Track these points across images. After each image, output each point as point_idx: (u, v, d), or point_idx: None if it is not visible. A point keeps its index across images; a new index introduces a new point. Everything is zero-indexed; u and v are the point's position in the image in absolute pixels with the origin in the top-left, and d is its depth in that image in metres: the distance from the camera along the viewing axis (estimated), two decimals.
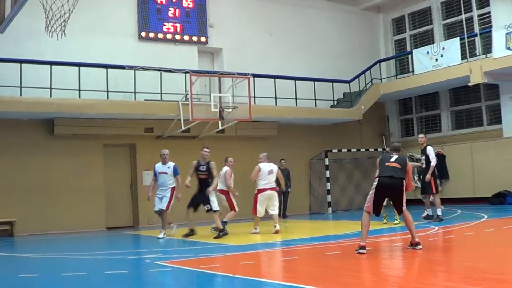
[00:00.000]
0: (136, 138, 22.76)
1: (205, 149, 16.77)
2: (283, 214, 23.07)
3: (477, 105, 26.77)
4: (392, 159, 11.44)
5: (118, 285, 9.49)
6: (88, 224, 21.08)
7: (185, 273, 9.99)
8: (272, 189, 17.06)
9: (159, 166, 17.13)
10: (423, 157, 17.85)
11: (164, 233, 16.65)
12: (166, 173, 16.98)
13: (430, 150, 17.75)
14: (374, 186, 11.21)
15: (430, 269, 9.56)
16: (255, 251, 12.56)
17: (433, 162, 17.46)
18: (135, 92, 21.77)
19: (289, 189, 23.91)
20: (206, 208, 16.11)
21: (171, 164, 17.14)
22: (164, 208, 16.76)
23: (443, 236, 14.41)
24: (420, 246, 10.95)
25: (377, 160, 12.11)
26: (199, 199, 16.27)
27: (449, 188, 26.16)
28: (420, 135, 18.60)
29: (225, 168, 17.49)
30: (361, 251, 10.84)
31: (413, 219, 11.43)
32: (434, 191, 17.46)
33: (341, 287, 8.06)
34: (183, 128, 21.57)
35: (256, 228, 16.81)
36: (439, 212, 17.49)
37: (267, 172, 17.08)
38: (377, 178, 11.26)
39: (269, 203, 17.01)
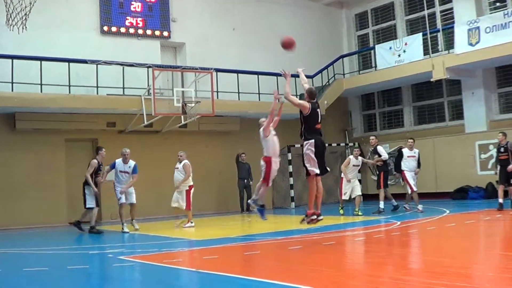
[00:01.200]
0: (98, 132, 22.66)
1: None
2: (247, 208, 23.15)
3: (439, 101, 27.07)
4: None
5: (80, 281, 9.49)
6: (50, 219, 20.94)
7: (148, 268, 10.02)
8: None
9: (120, 164, 17.56)
10: (376, 156, 20.26)
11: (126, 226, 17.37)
12: (128, 172, 17.57)
13: (381, 149, 20.31)
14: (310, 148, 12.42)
15: (392, 263, 9.69)
16: (218, 246, 12.62)
17: (384, 156, 20.09)
18: (97, 87, 21.67)
19: (251, 182, 24.00)
20: None
21: (131, 163, 17.65)
22: (135, 202, 17.73)
23: (405, 230, 14.58)
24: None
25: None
26: None
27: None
28: (372, 137, 20.89)
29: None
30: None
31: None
32: (381, 186, 19.86)
33: (302, 281, 8.14)
34: (145, 122, 21.53)
35: (191, 222, 17.76)
36: (381, 205, 19.30)
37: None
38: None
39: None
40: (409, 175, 19.62)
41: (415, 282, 7.78)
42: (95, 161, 17.39)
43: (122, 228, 17.26)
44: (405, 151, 19.90)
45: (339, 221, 17.25)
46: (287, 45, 13.75)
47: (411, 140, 20.12)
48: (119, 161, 17.60)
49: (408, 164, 19.74)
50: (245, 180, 24.11)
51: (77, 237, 16.94)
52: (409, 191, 19.74)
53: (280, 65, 26.45)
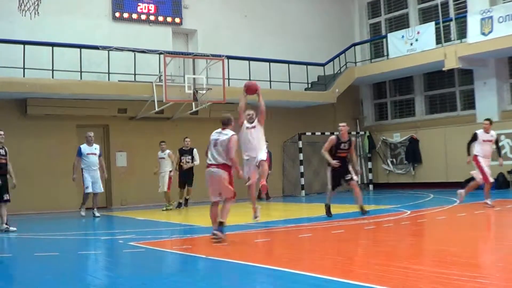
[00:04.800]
0: (109, 119, 22.71)
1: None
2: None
3: (451, 90, 26.98)
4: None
5: (91, 266, 9.56)
6: (61, 204, 21.02)
7: (157, 254, 10.08)
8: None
9: (86, 148, 18.50)
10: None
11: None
12: (95, 154, 18.55)
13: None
14: None
15: (401, 252, 9.72)
16: (227, 233, 12.66)
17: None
18: (108, 73, 21.70)
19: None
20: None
21: (96, 145, 18.75)
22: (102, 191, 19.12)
23: (415, 220, 14.59)
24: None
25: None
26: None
27: (422, 172, 26.45)
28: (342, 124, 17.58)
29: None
30: None
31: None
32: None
33: (311, 268, 8.17)
34: (156, 109, 21.54)
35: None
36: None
37: None
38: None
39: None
40: (483, 162, 16.58)
41: (424, 272, 7.79)
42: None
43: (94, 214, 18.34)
44: (480, 133, 16.84)
45: (349, 209, 17.24)
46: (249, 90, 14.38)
47: (487, 122, 16.90)
48: (83, 145, 18.49)
49: (483, 149, 16.62)
50: None
51: (87, 222, 17.03)
52: (480, 181, 16.75)
53: (291, 52, 26.70)
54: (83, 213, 18.32)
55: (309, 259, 9.24)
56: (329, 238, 11.64)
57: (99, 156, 18.61)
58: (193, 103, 22.00)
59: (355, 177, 15.85)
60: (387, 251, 9.70)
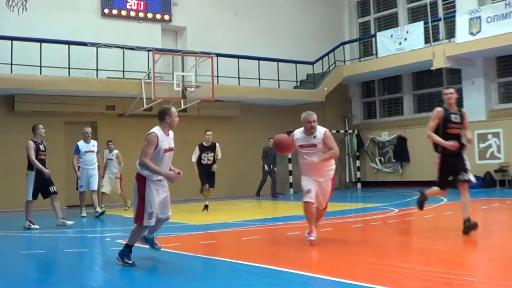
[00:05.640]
0: (97, 116, 22.68)
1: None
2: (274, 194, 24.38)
3: (439, 89, 27.00)
4: None
5: (77, 263, 9.54)
6: (49, 201, 20.92)
7: (145, 251, 10.07)
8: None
9: (83, 145, 17.37)
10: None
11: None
12: (93, 151, 17.46)
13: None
14: None
15: (389, 250, 9.75)
16: (216, 231, 12.66)
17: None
18: (97, 70, 21.68)
19: (275, 168, 24.53)
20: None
21: (94, 142, 17.73)
22: (96, 189, 17.72)
23: (403, 218, 14.64)
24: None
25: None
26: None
27: (410, 171, 26.56)
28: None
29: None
30: None
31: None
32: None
33: (299, 266, 8.19)
34: (145, 106, 21.52)
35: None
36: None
37: None
38: None
39: None
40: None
41: (411, 269, 7.84)
42: (31, 142, 15.06)
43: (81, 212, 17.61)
44: None
45: (337, 207, 17.28)
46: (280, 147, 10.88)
47: None
48: (80, 142, 17.40)
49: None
50: (271, 166, 24.25)
51: (75, 220, 16.97)
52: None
53: (280, 50, 26.71)
54: (83, 214, 17.41)
55: (297, 257, 9.25)
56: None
57: (97, 153, 17.68)
58: (182, 101, 21.97)
59: (472, 178, 11.90)
60: (374, 249, 9.72)
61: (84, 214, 17.38)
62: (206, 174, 18.05)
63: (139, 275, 8.12)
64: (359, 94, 30.36)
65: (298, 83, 27.52)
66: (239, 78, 24.59)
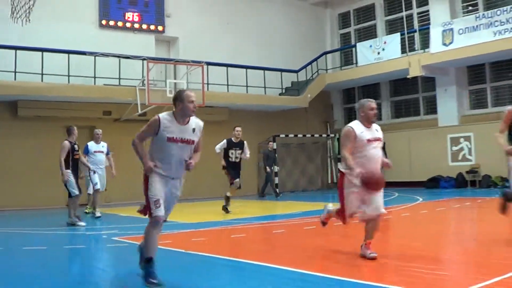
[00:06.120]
0: (95, 120, 22.59)
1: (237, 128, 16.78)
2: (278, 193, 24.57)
3: (415, 96, 27.20)
4: None
5: (76, 259, 9.51)
6: (50, 201, 20.86)
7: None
8: None
9: (93, 145, 16.91)
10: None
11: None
12: (102, 152, 17.00)
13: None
14: None
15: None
16: (205, 229, 12.64)
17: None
18: (95, 77, 21.70)
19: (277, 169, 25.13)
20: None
21: (104, 143, 17.13)
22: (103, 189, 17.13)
23: (380, 216, 14.62)
24: None
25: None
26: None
27: (388, 172, 26.54)
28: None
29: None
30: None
31: None
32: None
33: (284, 262, 8.18)
34: (139, 112, 21.49)
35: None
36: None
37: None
38: None
39: None
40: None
41: (389, 264, 7.85)
42: (66, 142, 14.82)
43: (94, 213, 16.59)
44: None
45: (319, 207, 17.28)
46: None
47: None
48: (91, 143, 16.99)
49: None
50: (271, 167, 24.75)
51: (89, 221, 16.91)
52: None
53: (267, 59, 26.75)
54: (98, 214, 16.37)
55: (282, 253, 9.25)
56: (301, 233, 11.66)
57: (107, 154, 17.11)
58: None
59: None
60: (354, 246, 9.73)
61: (98, 214, 16.41)
62: (234, 172, 16.55)
63: (130, 268, 8.08)
64: (340, 100, 30.40)
65: (283, 90, 27.55)
66: (228, 85, 24.61)
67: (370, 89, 28.97)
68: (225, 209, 16.34)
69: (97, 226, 14.71)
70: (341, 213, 8.54)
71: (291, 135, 26.99)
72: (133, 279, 7.34)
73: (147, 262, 7.16)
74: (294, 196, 23.92)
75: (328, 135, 29.00)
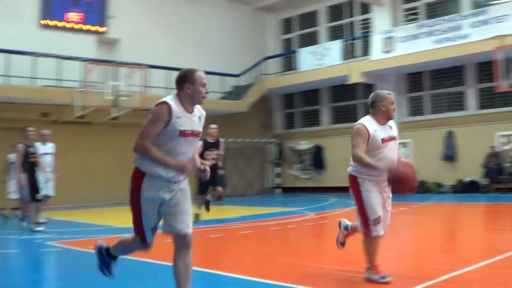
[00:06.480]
0: (32, 122, 22.01)
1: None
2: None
3: (354, 102, 27.47)
4: None
5: (4, 264, 9.29)
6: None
7: (73, 253, 9.88)
8: None
9: (39, 147, 14.71)
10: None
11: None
12: (50, 153, 15.54)
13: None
14: None
15: (303, 251, 9.77)
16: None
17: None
18: (34, 78, 21.38)
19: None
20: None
21: (51, 144, 15.73)
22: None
23: (318, 221, 14.72)
24: None
25: None
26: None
27: (326, 177, 26.88)
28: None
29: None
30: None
31: None
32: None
33: (221, 267, 8.14)
34: (76, 114, 21.22)
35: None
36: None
37: None
38: None
39: None
40: None
41: (324, 269, 7.87)
42: (20, 145, 13.83)
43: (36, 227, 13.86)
44: None
45: (256, 211, 17.29)
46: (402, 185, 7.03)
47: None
48: (36, 144, 14.57)
49: None
50: None
51: (6, 222, 16.56)
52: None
53: (208, 63, 26.66)
54: (40, 225, 13.94)
55: (219, 258, 9.20)
56: (237, 238, 11.62)
57: (54, 155, 15.60)
58: (113, 109, 21.75)
59: None
60: (290, 250, 9.75)
61: (42, 220, 14.46)
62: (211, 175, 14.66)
63: (64, 274, 7.93)
64: (280, 105, 30.52)
65: (225, 94, 27.53)
66: (166, 88, 24.42)
67: (310, 94, 29.15)
68: (207, 208, 15.07)
69: (32, 230, 14.40)
70: (364, 222, 7.09)
71: (231, 140, 26.92)
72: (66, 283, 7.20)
73: (113, 258, 6.63)
74: (232, 201, 23.83)
75: (267, 140, 29.10)
